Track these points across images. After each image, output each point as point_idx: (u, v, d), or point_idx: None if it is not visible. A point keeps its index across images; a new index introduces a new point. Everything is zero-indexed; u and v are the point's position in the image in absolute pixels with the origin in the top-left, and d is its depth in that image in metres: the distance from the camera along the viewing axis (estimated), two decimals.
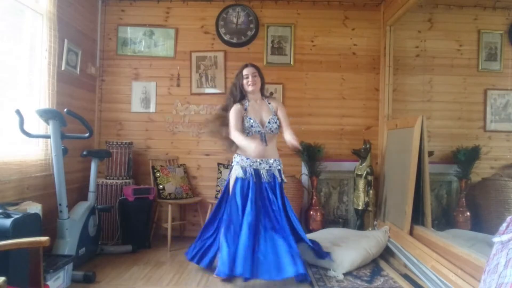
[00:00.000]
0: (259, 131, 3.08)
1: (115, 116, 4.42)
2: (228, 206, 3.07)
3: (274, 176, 3.12)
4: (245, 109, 3.11)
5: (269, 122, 3.10)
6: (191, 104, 4.42)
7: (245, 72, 3.14)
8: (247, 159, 3.07)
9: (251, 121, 3.07)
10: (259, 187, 3.06)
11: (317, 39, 4.44)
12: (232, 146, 3.15)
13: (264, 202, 3.04)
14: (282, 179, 3.15)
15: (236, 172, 3.09)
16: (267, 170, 3.09)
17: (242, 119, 3.08)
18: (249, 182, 3.05)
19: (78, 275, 2.82)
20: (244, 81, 3.12)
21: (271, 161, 3.12)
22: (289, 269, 2.77)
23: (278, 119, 3.14)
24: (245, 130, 3.07)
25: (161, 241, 3.99)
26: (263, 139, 3.09)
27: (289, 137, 3.00)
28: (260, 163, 3.08)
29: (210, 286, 2.89)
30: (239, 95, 3.15)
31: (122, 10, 4.45)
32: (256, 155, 2.90)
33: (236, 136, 2.99)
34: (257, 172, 3.09)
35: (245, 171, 3.07)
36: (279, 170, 3.14)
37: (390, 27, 4.19)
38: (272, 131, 3.11)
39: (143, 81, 4.43)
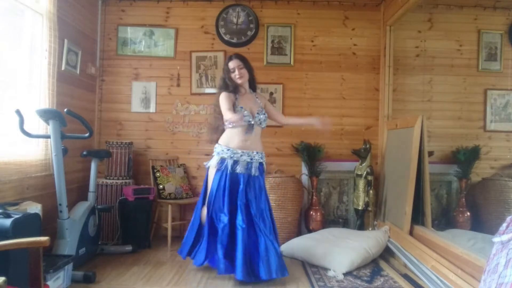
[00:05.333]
0: (249, 121, 3.03)
1: (115, 116, 4.42)
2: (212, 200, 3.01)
3: (252, 169, 3.04)
4: (236, 98, 3.06)
5: (257, 113, 3.09)
6: (191, 104, 4.42)
7: (230, 65, 3.08)
8: (228, 149, 3.01)
9: (243, 110, 3.00)
10: (234, 179, 2.99)
11: (317, 39, 4.44)
12: (214, 136, 3.15)
13: (236, 195, 2.97)
14: (262, 171, 3.12)
15: (213, 163, 3.04)
16: (247, 162, 3.02)
17: (233, 105, 3.02)
18: (226, 174, 2.98)
19: (78, 275, 2.82)
20: (232, 75, 3.08)
21: (254, 153, 3.06)
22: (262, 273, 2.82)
23: (265, 113, 3.16)
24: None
25: (161, 241, 3.99)
26: (251, 129, 3.04)
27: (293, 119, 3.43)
28: (241, 155, 3.02)
29: (210, 286, 2.89)
30: (231, 86, 3.07)
31: (122, 10, 4.45)
32: (240, 145, 3.00)
33: (230, 115, 2.89)
34: (235, 163, 3.01)
35: (221, 162, 3.00)
36: (260, 164, 3.11)
37: (390, 27, 4.19)
38: (260, 123, 3.10)
39: (143, 81, 4.43)
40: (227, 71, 3.11)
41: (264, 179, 3.19)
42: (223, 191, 2.97)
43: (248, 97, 3.17)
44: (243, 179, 3.00)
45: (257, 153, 3.09)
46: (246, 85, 3.19)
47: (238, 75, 3.07)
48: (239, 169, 3.00)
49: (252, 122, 3.04)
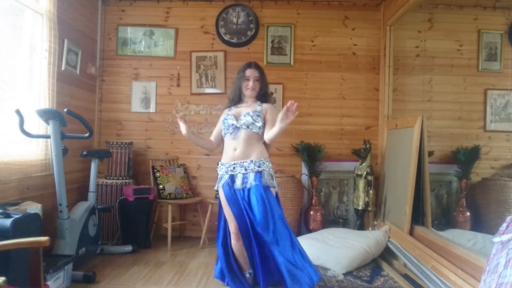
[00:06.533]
0: (232, 125, 2.71)
1: (115, 116, 4.42)
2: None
3: (247, 181, 2.65)
4: (230, 110, 2.82)
5: (244, 116, 2.70)
6: (191, 104, 4.42)
7: (247, 73, 2.78)
8: (222, 164, 2.74)
9: (229, 116, 2.74)
10: (234, 196, 2.67)
11: (317, 39, 4.44)
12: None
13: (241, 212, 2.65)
14: (264, 183, 2.62)
15: (218, 182, 2.79)
16: (242, 174, 2.66)
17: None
18: (228, 191, 2.68)
19: (78, 275, 2.83)
20: (244, 83, 2.78)
21: (247, 163, 2.66)
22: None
23: (260, 118, 2.70)
24: (224, 129, 2.78)
25: (161, 241, 3.99)
26: (235, 132, 2.70)
27: (271, 133, 2.59)
28: (234, 167, 2.69)
29: (209, 286, 2.89)
30: (236, 98, 2.85)
31: (122, 10, 4.45)
32: (231, 156, 2.69)
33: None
34: (232, 178, 2.69)
35: (220, 179, 2.75)
36: (259, 172, 2.64)
37: (390, 27, 4.19)
38: (247, 127, 2.67)
39: (143, 81, 4.43)
40: (241, 78, 2.80)
41: (266, 188, 2.64)
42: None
43: (248, 105, 2.81)
44: (242, 195, 2.66)
45: (251, 161, 2.66)
46: (253, 99, 2.84)
47: (252, 87, 2.76)
48: (237, 184, 2.67)
49: (238, 125, 2.69)
